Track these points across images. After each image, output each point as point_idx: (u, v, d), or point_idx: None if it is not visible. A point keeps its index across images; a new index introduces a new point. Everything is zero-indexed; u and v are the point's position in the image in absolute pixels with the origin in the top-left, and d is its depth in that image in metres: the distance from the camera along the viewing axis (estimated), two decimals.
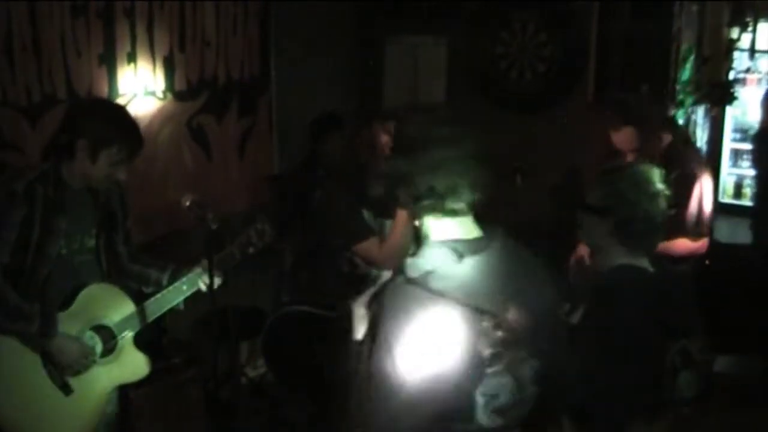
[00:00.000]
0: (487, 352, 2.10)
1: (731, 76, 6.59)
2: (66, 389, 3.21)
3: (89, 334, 3.25)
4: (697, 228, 4.08)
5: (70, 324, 3.19)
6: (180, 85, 5.04)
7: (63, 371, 3.19)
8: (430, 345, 2.05)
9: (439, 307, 2.07)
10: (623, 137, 4.09)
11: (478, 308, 2.09)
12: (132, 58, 4.67)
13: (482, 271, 2.15)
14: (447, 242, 2.18)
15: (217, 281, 3.29)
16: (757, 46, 6.67)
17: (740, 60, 6.84)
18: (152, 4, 4.75)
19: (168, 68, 4.92)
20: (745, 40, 6.41)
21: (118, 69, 4.59)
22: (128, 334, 3.33)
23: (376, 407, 2.11)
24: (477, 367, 2.10)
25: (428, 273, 2.10)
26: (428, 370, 2.06)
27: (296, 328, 3.69)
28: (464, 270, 2.13)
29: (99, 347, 3.28)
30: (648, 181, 2.77)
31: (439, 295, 2.07)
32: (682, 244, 4.05)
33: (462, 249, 2.16)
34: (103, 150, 3.09)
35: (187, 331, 4.80)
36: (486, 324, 2.10)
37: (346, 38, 6.58)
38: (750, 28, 6.31)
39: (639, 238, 2.74)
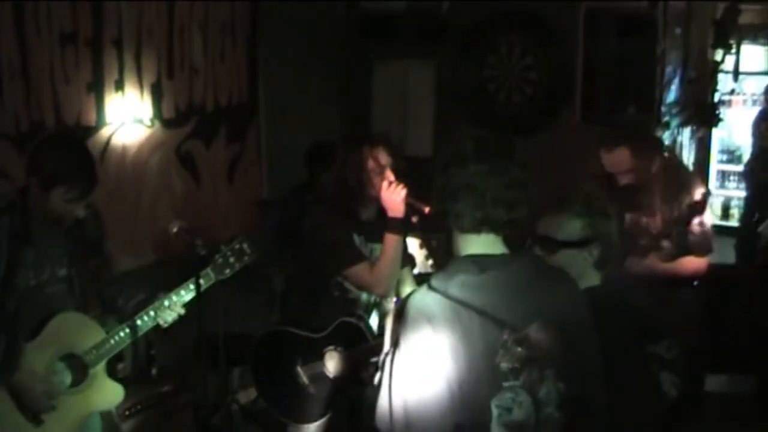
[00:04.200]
0: (504, 365, 2.12)
1: (716, 97, 6.65)
2: (36, 420, 3.15)
3: (59, 364, 3.22)
4: (702, 245, 4.05)
5: (38, 354, 3.15)
6: (168, 112, 5.05)
7: (27, 408, 3.13)
8: (446, 352, 2.09)
9: (458, 316, 2.11)
10: (616, 158, 3.96)
11: (498, 320, 2.12)
12: (120, 85, 4.68)
13: (507, 285, 2.19)
14: (472, 256, 2.24)
15: (176, 312, 3.31)
16: (741, 68, 6.74)
17: (725, 82, 6.90)
18: (140, 32, 4.77)
19: (156, 95, 4.93)
20: (729, 62, 6.47)
21: (106, 97, 4.60)
22: (101, 364, 3.30)
23: (394, 412, 2.14)
24: (493, 380, 2.12)
25: (450, 282, 2.15)
26: (444, 377, 2.09)
27: (280, 348, 3.70)
28: (487, 282, 2.17)
29: (69, 377, 3.24)
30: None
31: (460, 303, 2.11)
32: (689, 263, 4.02)
33: (487, 263, 2.20)
34: (53, 189, 3.07)
35: (177, 357, 4.79)
36: (506, 337, 2.12)
37: (335, 62, 6.61)
38: (733, 50, 6.36)
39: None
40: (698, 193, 4.04)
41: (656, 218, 3.99)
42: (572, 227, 2.71)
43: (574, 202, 2.75)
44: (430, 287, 2.17)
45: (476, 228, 2.23)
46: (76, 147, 3.33)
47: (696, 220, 3.99)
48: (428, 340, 2.10)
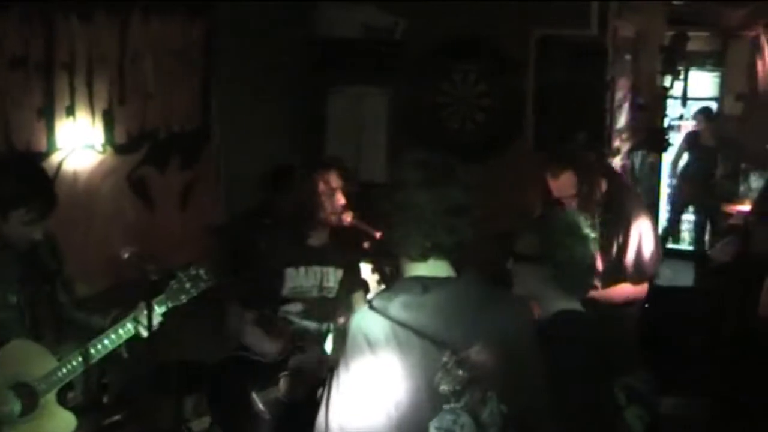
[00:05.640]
0: (444, 387, 2.11)
1: (665, 123, 6.77)
2: None
3: (8, 393, 3.17)
4: (638, 272, 4.10)
5: None
6: (120, 138, 5.00)
7: None
8: (384, 373, 2.07)
9: (397, 336, 2.09)
10: (562, 183, 4.03)
11: (438, 342, 2.11)
12: (71, 111, 4.63)
13: (448, 306, 2.17)
14: (416, 277, 2.22)
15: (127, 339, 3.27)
16: (689, 94, 6.87)
17: (674, 107, 7.04)
18: (92, 57, 4.73)
19: (108, 121, 4.88)
20: (677, 88, 6.60)
21: (57, 122, 4.54)
22: (52, 392, 3.25)
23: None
24: (432, 402, 2.11)
25: (392, 302, 2.14)
26: (381, 398, 2.07)
27: (235, 374, 3.68)
28: (429, 303, 2.15)
29: (18, 406, 3.19)
30: (578, 226, 2.80)
31: (399, 324, 2.10)
32: (622, 290, 4.07)
33: (429, 284, 2.19)
34: (12, 211, 3.05)
35: (129, 386, 4.72)
36: (446, 359, 2.11)
37: (290, 88, 6.61)
38: (681, 77, 6.50)
39: (573, 282, 2.77)
40: (640, 221, 4.09)
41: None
42: (526, 242, 2.78)
43: (539, 220, 2.80)
44: (371, 307, 2.17)
45: (420, 254, 2.22)
46: (31, 168, 3.36)
47: (632, 248, 4.04)
48: (366, 360, 2.09)
